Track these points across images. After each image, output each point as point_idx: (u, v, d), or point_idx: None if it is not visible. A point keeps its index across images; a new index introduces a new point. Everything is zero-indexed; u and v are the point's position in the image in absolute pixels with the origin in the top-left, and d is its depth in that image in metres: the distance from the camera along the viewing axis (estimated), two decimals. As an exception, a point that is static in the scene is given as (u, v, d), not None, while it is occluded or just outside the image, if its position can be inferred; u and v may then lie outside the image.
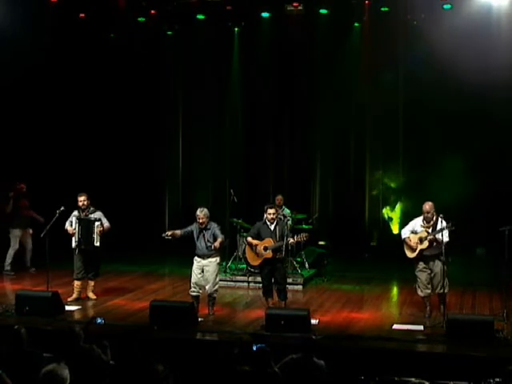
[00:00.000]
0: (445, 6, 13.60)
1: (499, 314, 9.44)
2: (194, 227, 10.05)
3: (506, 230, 9.42)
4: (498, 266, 10.26)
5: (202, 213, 9.95)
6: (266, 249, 10.00)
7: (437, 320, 9.47)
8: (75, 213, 10.67)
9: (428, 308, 9.87)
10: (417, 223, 9.79)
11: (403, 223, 14.77)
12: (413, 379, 5.29)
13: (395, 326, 9.32)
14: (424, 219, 9.67)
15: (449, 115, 14.30)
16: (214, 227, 10.01)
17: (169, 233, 10.15)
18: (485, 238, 13.54)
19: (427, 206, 9.65)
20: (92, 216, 10.65)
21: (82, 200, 10.59)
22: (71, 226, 10.62)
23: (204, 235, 9.93)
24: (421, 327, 9.21)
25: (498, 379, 6.23)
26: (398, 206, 15.31)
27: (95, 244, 10.57)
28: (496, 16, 13.63)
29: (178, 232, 10.13)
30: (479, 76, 13.35)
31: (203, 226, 9.93)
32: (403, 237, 9.83)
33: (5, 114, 14.10)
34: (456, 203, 12.77)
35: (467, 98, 13.96)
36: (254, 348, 6.50)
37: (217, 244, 9.87)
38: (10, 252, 12.74)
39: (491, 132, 14.04)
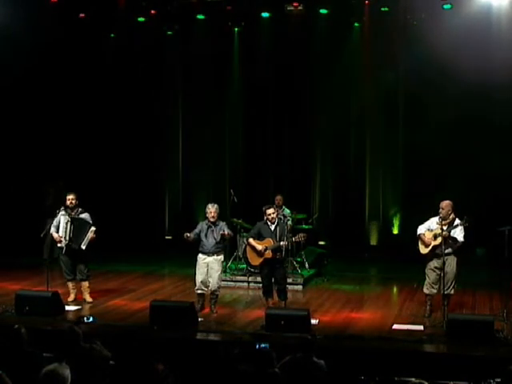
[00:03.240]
0: (445, 6, 13.59)
1: (499, 314, 9.44)
2: (201, 225, 10.10)
3: (505, 230, 9.43)
4: (498, 265, 10.25)
5: (213, 207, 10.04)
6: (265, 249, 10.01)
7: (437, 320, 9.48)
8: (62, 212, 10.57)
9: (428, 308, 9.88)
10: (433, 221, 9.78)
11: (403, 224, 14.93)
12: (413, 379, 5.27)
13: (395, 326, 9.32)
14: (440, 217, 9.67)
15: (449, 115, 14.30)
16: (223, 224, 10.08)
17: (188, 234, 10.06)
18: (485, 238, 13.53)
19: (444, 204, 9.65)
20: (81, 217, 10.64)
21: (70, 198, 10.55)
22: (57, 229, 10.55)
23: (213, 231, 9.98)
24: (421, 327, 9.21)
25: (497, 379, 6.23)
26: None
27: (82, 246, 10.46)
28: (496, 16, 13.62)
29: (192, 235, 10.09)
30: (479, 76, 13.35)
31: (213, 221, 9.98)
32: (418, 233, 9.82)
33: (4, 114, 14.14)
34: (456, 203, 12.75)
35: (467, 98, 13.96)
36: (257, 347, 6.51)
37: (227, 231, 9.92)
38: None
39: (491, 132, 14.05)
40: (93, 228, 10.53)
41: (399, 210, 15.24)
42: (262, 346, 6.73)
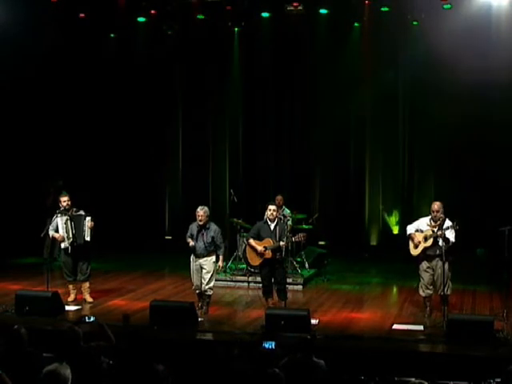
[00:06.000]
0: (445, 6, 13.58)
1: (499, 314, 9.44)
2: (191, 228, 10.06)
3: (505, 230, 9.43)
4: (498, 265, 10.26)
5: (202, 210, 9.95)
6: (265, 249, 10.01)
7: (437, 320, 9.48)
8: (58, 215, 10.58)
9: (428, 308, 9.88)
10: (422, 222, 9.76)
11: (403, 224, 14.91)
12: (413, 379, 5.28)
13: (395, 326, 9.32)
14: (431, 218, 9.64)
15: (449, 115, 14.30)
16: (216, 230, 10.00)
17: (192, 243, 10.01)
18: (485, 238, 13.54)
19: (435, 205, 9.63)
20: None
21: (65, 200, 10.58)
22: (56, 230, 10.57)
23: (203, 235, 9.93)
24: (421, 327, 9.21)
25: (498, 379, 6.23)
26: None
27: (86, 238, 10.53)
28: (496, 16, 13.63)
29: (192, 242, 10.02)
30: (479, 76, 13.35)
31: (202, 224, 9.93)
32: (408, 232, 9.81)
33: (5, 114, 14.15)
34: (456, 203, 12.76)
35: (467, 98, 13.96)
36: (265, 345, 6.51)
37: (220, 263, 10.05)
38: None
39: (491, 132, 14.05)
40: (88, 218, 10.56)
41: (399, 209, 15.25)
42: (267, 344, 6.74)
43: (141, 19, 15.26)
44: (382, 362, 7.92)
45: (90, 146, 15.69)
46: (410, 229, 9.83)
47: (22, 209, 14.28)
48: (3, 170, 14.28)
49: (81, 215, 10.61)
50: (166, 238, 16.31)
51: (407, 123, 15.19)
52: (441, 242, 9.40)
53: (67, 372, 4.73)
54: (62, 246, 10.61)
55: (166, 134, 16.41)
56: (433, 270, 9.67)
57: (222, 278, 12.00)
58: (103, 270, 12.98)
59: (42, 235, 10.98)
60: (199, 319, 9.47)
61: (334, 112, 15.36)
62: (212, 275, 10.07)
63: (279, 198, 12.84)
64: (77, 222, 10.54)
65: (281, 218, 10.55)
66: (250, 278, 12.00)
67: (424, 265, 9.74)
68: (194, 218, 10.10)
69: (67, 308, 10.13)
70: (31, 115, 14.68)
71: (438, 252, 9.51)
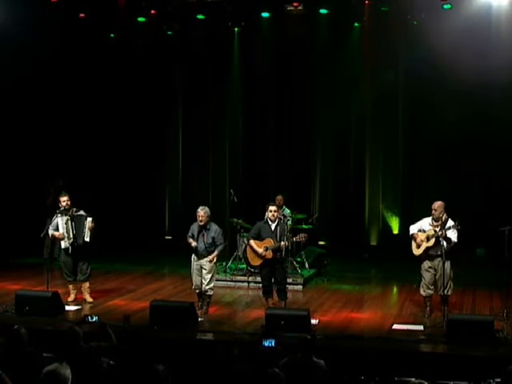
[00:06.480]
0: (445, 6, 13.59)
1: (499, 314, 9.44)
2: (192, 228, 10.06)
3: (505, 230, 9.43)
4: (498, 265, 10.26)
5: (202, 211, 9.94)
6: (266, 249, 10.01)
7: (437, 320, 9.48)
8: (59, 215, 10.58)
9: (428, 308, 9.89)
10: (425, 222, 9.78)
11: (403, 224, 14.92)
12: (413, 379, 5.28)
13: (395, 326, 9.32)
14: (432, 218, 9.66)
15: (449, 115, 14.30)
16: (216, 231, 9.98)
17: (194, 243, 10.03)
18: (485, 238, 13.54)
19: (436, 205, 9.64)
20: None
21: (65, 200, 10.59)
22: (56, 230, 10.57)
23: (204, 235, 9.93)
24: (421, 327, 9.21)
25: (497, 379, 6.23)
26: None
27: (85, 239, 10.52)
28: (496, 16, 13.63)
29: (194, 242, 10.02)
30: (479, 76, 13.36)
31: (203, 224, 9.92)
32: (411, 232, 9.83)
33: (5, 114, 14.16)
34: (456, 203, 12.75)
35: (467, 98, 13.97)
36: (264, 343, 6.51)
37: (211, 257, 9.92)
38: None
39: (491, 132, 14.05)
40: (89, 218, 10.56)
41: (399, 209, 15.24)
42: (267, 343, 6.74)
43: (141, 19, 15.28)
44: (382, 362, 7.92)
45: (90, 145, 15.69)
46: (413, 229, 9.85)
47: (22, 209, 14.28)
48: (3, 170, 14.29)
49: (82, 215, 10.62)
50: (166, 238, 16.31)
51: (407, 123, 15.18)
52: (438, 242, 9.41)
53: (67, 372, 4.73)
54: (63, 245, 10.61)
55: (166, 133, 16.41)
56: (435, 269, 9.68)
57: (222, 278, 12.01)
58: (103, 270, 12.98)
59: (41, 235, 10.99)
60: (199, 319, 9.48)
61: (333, 112, 15.37)
62: (212, 275, 10.07)
63: (279, 197, 12.85)
64: (77, 223, 10.56)
65: (281, 218, 10.56)
66: (250, 278, 12.00)
67: (426, 264, 9.75)
68: (194, 218, 10.10)
69: (67, 308, 10.14)
70: (31, 115, 14.69)
71: (440, 252, 9.51)
